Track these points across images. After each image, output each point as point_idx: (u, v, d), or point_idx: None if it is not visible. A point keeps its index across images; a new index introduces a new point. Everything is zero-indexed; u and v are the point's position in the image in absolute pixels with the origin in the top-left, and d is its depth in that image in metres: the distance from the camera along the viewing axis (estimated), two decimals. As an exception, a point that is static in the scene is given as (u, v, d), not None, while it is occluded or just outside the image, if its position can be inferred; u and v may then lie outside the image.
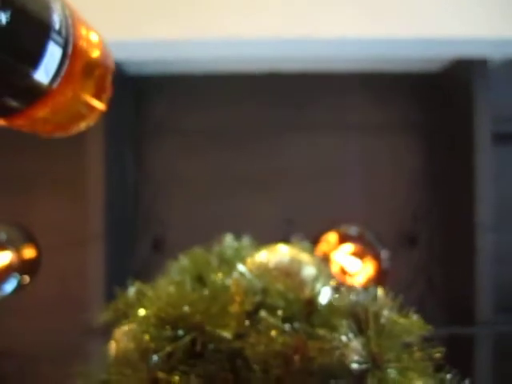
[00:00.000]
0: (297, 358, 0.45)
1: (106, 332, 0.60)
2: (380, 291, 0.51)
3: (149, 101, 1.98)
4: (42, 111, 0.31)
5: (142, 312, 0.55)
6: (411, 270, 1.97)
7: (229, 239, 0.75)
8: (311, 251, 0.68)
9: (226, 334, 0.48)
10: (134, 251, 1.95)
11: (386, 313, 0.47)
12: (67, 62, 0.30)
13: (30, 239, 1.59)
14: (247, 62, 1.87)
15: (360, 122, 1.97)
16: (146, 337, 0.50)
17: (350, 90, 1.97)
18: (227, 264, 0.65)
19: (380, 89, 1.97)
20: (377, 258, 1.59)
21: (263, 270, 0.58)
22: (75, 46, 0.30)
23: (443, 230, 1.96)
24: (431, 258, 1.98)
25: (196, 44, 1.59)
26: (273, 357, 0.46)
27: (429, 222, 1.98)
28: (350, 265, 1.57)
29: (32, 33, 0.27)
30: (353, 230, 1.65)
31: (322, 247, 1.58)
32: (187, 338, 0.48)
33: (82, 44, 0.31)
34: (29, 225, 1.64)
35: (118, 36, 1.44)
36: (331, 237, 1.60)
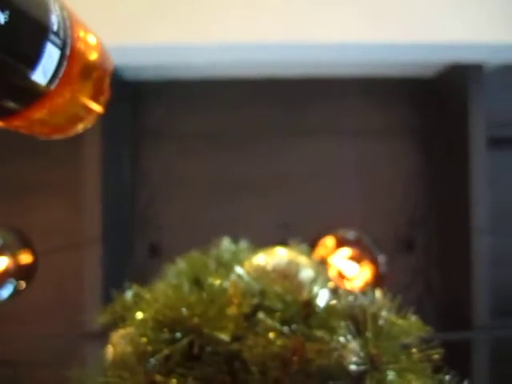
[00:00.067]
0: (295, 359, 0.45)
1: (104, 335, 0.59)
2: (378, 293, 0.51)
3: (146, 105, 1.99)
4: (39, 112, 0.31)
5: (139, 315, 0.54)
6: (408, 273, 1.97)
7: (226, 242, 0.75)
8: (309, 254, 0.68)
9: (224, 337, 0.48)
10: (131, 254, 1.95)
11: (384, 314, 0.47)
12: (65, 64, 0.30)
13: (27, 244, 1.58)
14: (246, 67, 1.88)
15: (357, 126, 1.98)
16: (144, 340, 0.50)
17: (349, 94, 1.97)
18: (225, 267, 0.65)
19: (378, 93, 1.98)
20: (374, 262, 1.59)
21: (261, 273, 0.58)
22: (73, 48, 0.30)
23: (440, 234, 1.97)
24: (428, 262, 1.98)
25: (194, 49, 1.60)
26: (271, 359, 0.45)
27: (426, 226, 1.99)
28: (348, 269, 1.57)
29: (30, 33, 0.27)
30: (350, 234, 1.65)
31: (320, 251, 1.58)
32: (185, 341, 0.48)
33: (80, 46, 0.31)
34: (25, 229, 1.63)
35: (116, 41, 1.45)
36: (329, 241, 1.60)
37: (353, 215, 1.92)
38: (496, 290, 1.76)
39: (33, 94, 0.29)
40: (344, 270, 1.56)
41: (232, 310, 0.51)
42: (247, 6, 1.52)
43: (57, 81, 0.30)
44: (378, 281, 1.56)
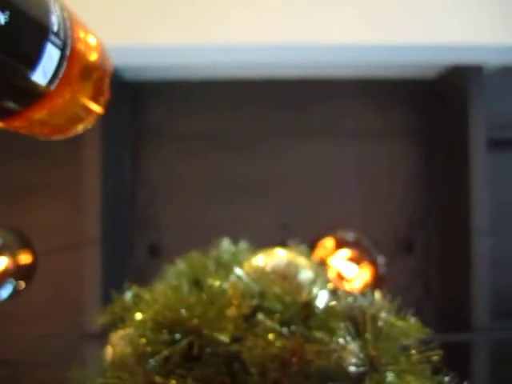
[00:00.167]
0: (294, 361, 0.45)
1: (103, 336, 0.59)
2: (377, 294, 0.51)
3: (146, 106, 1.99)
4: (39, 113, 0.31)
5: (138, 316, 0.54)
6: (408, 275, 1.97)
7: (226, 243, 0.75)
8: (308, 255, 0.68)
9: (223, 338, 0.48)
10: (131, 255, 1.95)
11: (383, 316, 0.47)
12: (65, 64, 0.30)
13: (27, 244, 1.58)
14: (246, 67, 1.88)
15: (357, 127, 1.98)
16: (143, 341, 0.50)
17: (348, 96, 1.97)
18: (224, 268, 0.65)
19: (378, 95, 1.98)
20: (373, 263, 1.59)
21: (260, 274, 0.58)
22: (73, 48, 0.30)
23: (440, 236, 1.97)
24: (428, 264, 1.98)
25: (194, 50, 1.60)
26: (270, 360, 0.45)
27: (425, 228, 1.98)
28: (347, 270, 1.57)
29: (30, 34, 0.27)
30: (350, 236, 1.65)
31: (319, 252, 1.58)
32: (184, 342, 0.48)
33: (81, 46, 0.31)
34: (25, 229, 1.63)
35: (117, 41, 1.45)
36: (328, 242, 1.60)
37: (352, 216, 1.92)
38: (496, 292, 1.76)
39: (33, 95, 0.29)
40: (343, 271, 1.56)
41: (231, 311, 0.51)
42: (247, 7, 1.52)
43: (57, 81, 0.30)
44: (377, 282, 1.56)
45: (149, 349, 0.49)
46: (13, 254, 1.54)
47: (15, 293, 1.52)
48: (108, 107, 0.37)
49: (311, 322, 0.49)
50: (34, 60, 0.28)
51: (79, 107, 0.34)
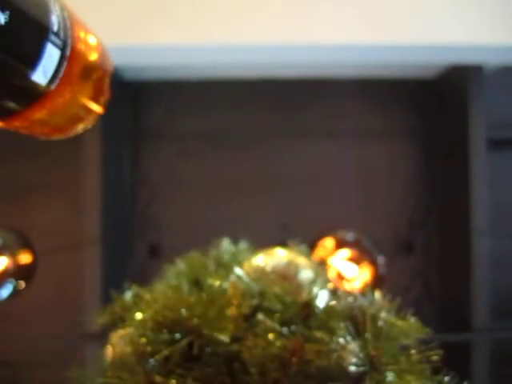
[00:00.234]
0: (294, 360, 0.45)
1: (103, 336, 0.59)
2: (377, 294, 0.51)
3: (146, 106, 1.99)
4: (39, 113, 0.31)
5: (138, 315, 0.54)
6: (408, 275, 1.97)
7: (226, 243, 0.75)
8: (308, 255, 0.68)
9: (223, 338, 0.48)
10: (131, 255, 1.95)
11: (383, 315, 0.47)
12: (65, 64, 0.30)
13: (27, 244, 1.58)
14: (246, 67, 1.88)
15: (357, 127, 1.98)
16: (143, 340, 0.50)
17: (349, 96, 1.97)
18: (224, 268, 0.65)
19: (378, 95, 1.98)
20: (373, 263, 1.59)
21: (260, 274, 0.58)
22: (73, 48, 0.30)
23: (440, 236, 1.97)
24: (428, 264, 1.98)
25: (194, 50, 1.60)
26: (270, 360, 0.45)
27: (425, 228, 1.98)
28: (347, 270, 1.57)
29: (30, 34, 0.27)
30: (350, 236, 1.65)
31: (319, 252, 1.58)
32: (184, 342, 0.48)
33: (81, 46, 0.31)
34: (25, 229, 1.63)
35: (117, 41, 1.45)
36: (328, 242, 1.60)
37: (352, 216, 1.92)
38: (496, 292, 1.76)
39: (33, 95, 0.29)
40: (343, 271, 1.56)
41: (231, 311, 0.51)
42: (247, 8, 1.52)
43: (57, 81, 0.30)
44: (377, 282, 1.56)
45: (149, 348, 0.49)
46: (13, 254, 1.54)
47: (15, 293, 1.52)
48: (108, 107, 0.37)
49: (311, 321, 0.49)
50: (34, 60, 0.28)
51: (79, 107, 0.34)
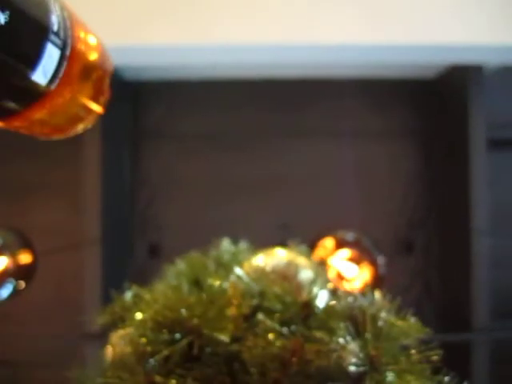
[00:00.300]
0: (294, 360, 0.45)
1: (103, 336, 0.59)
2: (377, 294, 0.51)
3: (146, 105, 1.99)
4: (39, 113, 0.31)
5: (138, 315, 0.54)
6: (408, 275, 1.97)
7: (226, 243, 0.75)
8: (308, 255, 0.68)
9: (223, 338, 0.48)
10: (131, 255, 1.95)
11: (383, 315, 0.47)
12: (65, 64, 0.30)
13: (27, 244, 1.58)
14: (246, 67, 1.88)
15: (357, 127, 1.98)
16: (143, 340, 0.50)
17: (349, 96, 1.97)
18: (224, 268, 0.65)
19: (378, 95, 1.98)
20: (373, 263, 1.59)
21: (260, 274, 0.58)
22: (73, 48, 0.30)
23: (440, 236, 1.97)
24: (428, 264, 1.98)
25: (194, 50, 1.60)
26: (270, 360, 0.45)
27: (425, 228, 1.99)
28: (347, 270, 1.57)
29: (30, 34, 0.27)
30: (350, 236, 1.65)
31: (319, 252, 1.58)
32: (184, 342, 0.48)
33: (81, 46, 0.31)
34: (25, 229, 1.63)
35: (117, 41, 1.45)
36: (328, 242, 1.60)
37: (352, 216, 1.92)
38: (496, 292, 1.76)
39: (33, 95, 0.29)
40: (343, 271, 1.56)
41: (231, 311, 0.51)
42: (247, 7, 1.52)
43: (57, 81, 0.30)
44: (377, 282, 1.56)
45: (149, 348, 0.49)
46: (13, 254, 1.54)
47: (15, 293, 1.52)
48: (108, 107, 0.37)
49: (311, 321, 0.49)
50: (34, 60, 0.28)
51: (79, 107, 0.34)
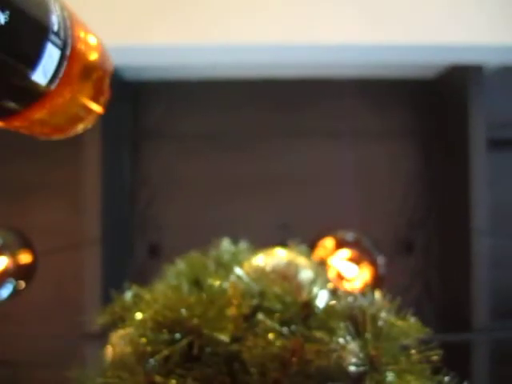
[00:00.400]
0: (294, 360, 0.45)
1: (103, 336, 0.59)
2: (377, 294, 0.51)
3: (146, 106, 1.99)
4: (39, 113, 0.31)
5: (138, 315, 0.54)
6: (408, 275, 1.97)
7: (226, 243, 0.75)
8: (308, 255, 0.68)
9: (223, 338, 0.48)
10: (131, 255, 1.95)
11: (383, 315, 0.47)
12: (65, 64, 0.30)
13: (27, 244, 1.58)
14: (246, 68, 1.88)
15: (357, 127, 1.98)
16: (143, 340, 0.50)
17: (348, 96, 1.97)
18: (224, 268, 0.65)
19: (377, 95, 1.98)
20: (373, 263, 1.59)
21: (260, 274, 0.58)
22: (73, 48, 0.30)
23: (440, 236, 1.97)
24: (428, 264, 1.98)
25: (194, 50, 1.60)
26: (270, 360, 0.45)
27: (425, 228, 1.98)
28: (347, 270, 1.57)
29: (30, 34, 0.27)
30: (350, 236, 1.65)
31: (319, 252, 1.58)
32: (184, 342, 0.48)
33: (81, 46, 0.31)
34: (25, 229, 1.63)
35: (117, 41, 1.45)
36: (328, 242, 1.60)
37: (352, 216, 1.92)
38: (496, 292, 1.76)
39: (33, 94, 0.29)
40: (343, 271, 1.56)
41: (231, 311, 0.51)
42: (247, 8, 1.52)
43: (57, 81, 0.30)
44: (377, 282, 1.56)
45: (149, 348, 0.49)
46: (13, 254, 1.54)
47: (15, 293, 1.52)
48: (108, 107, 0.37)
49: (311, 321, 0.49)
50: (34, 60, 0.28)
51: (79, 107, 0.34)
